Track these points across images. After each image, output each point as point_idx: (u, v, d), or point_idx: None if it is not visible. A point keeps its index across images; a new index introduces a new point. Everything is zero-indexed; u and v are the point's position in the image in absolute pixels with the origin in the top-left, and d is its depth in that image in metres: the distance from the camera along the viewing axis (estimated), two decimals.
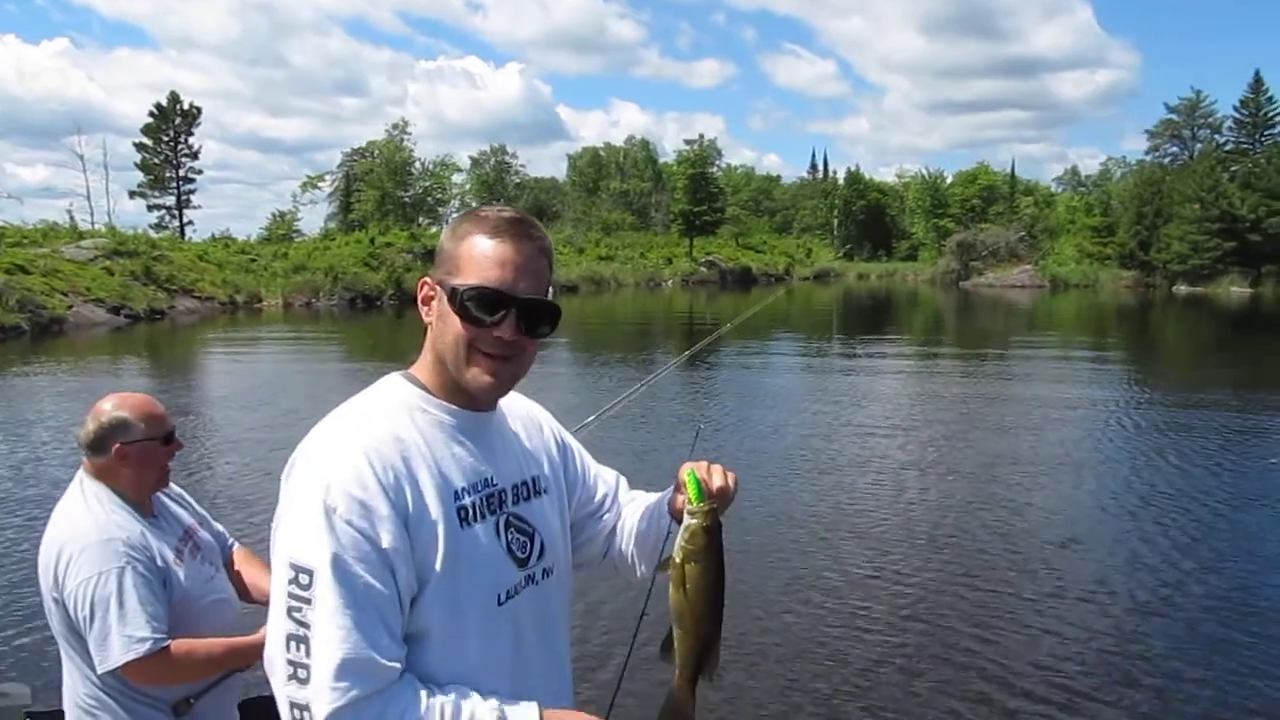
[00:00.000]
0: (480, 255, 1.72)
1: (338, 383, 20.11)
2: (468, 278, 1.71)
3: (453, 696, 1.61)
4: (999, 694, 5.59)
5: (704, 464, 1.85)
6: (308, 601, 1.53)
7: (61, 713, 2.81)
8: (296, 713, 1.53)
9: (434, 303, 1.77)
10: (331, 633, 1.51)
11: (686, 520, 1.78)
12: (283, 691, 1.55)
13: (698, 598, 1.76)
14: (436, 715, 1.56)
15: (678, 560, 1.76)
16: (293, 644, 1.54)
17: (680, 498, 1.83)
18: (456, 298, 1.71)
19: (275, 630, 1.57)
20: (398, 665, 1.57)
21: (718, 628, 1.81)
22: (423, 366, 1.82)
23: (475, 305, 1.70)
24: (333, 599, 1.52)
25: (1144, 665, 5.99)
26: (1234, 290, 64.86)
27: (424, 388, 1.79)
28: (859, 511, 9.46)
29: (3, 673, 3.39)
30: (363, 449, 1.63)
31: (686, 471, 1.81)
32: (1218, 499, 9.96)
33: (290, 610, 1.55)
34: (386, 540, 1.58)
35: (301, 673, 1.52)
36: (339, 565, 1.53)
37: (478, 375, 1.74)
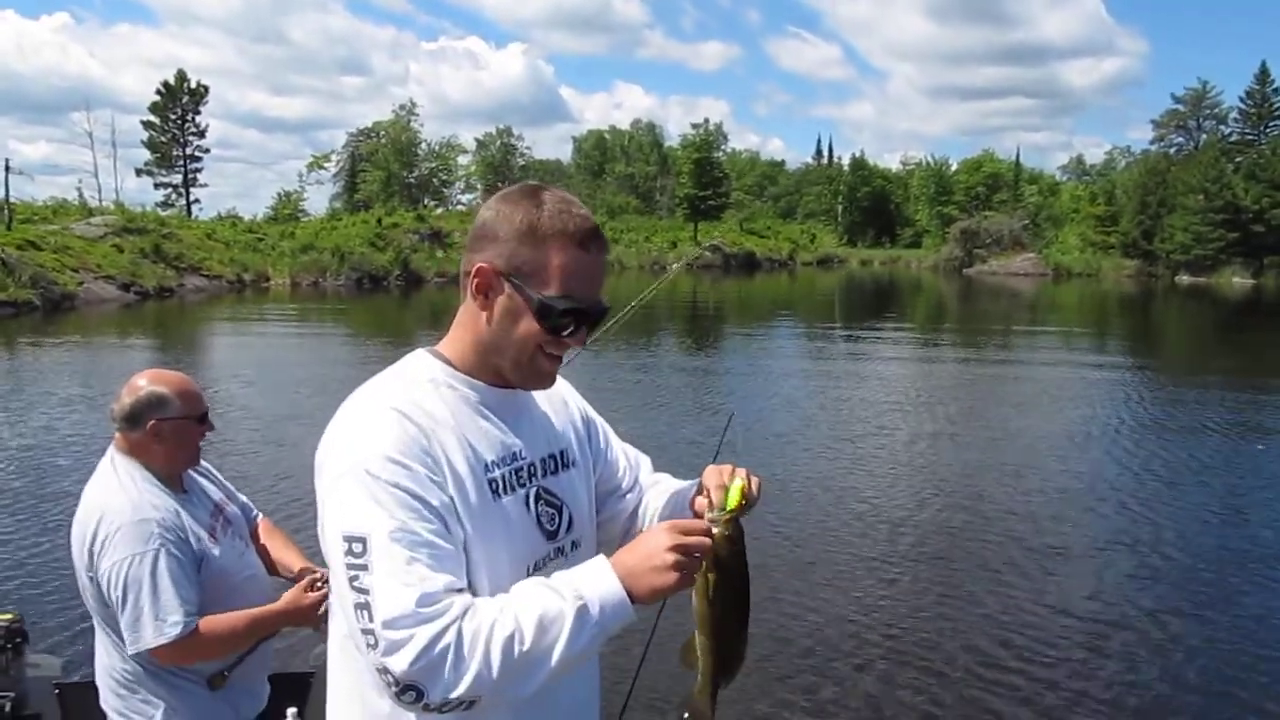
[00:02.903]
0: (571, 269, 1.69)
1: (347, 360, 20.49)
2: (557, 290, 1.69)
3: (523, 599, 1.56)
4: (1011, 671, 5.89)
5: (729, 468, 1.78)
6: (364, 568, 1.51)
7: (91, 685, 2.82)
8: (386, 679, 1.50)
9: (494, 296, 1.73)
10: (390, 591, 1.49)
11: (711, 528, 1.68)
12: (370, 662, 1.52)
13: (724, 607, 1.71)
14: (509, 630, 1.51)
15: (702, 568, 1.67)
16: (359, 613, 1.51)
17: (700, 499, 1.77)
18: (546, 311, 1.69)
19: (344, 606, 1.56)
20: (458, 599, 1.53)
21: (743, 636, 1.77)
22: (453, 345, 1.80)
23: (564, 320, 1.71)
24: (388, 559, 1.51)
25: (1146, 634, 6.39)
26: (1236, 281, 64.94)
27: (449, 364, 1.78)
28: (876, 495, 9.83)
29: (33, 644, 3.57)
30: (394, 417, 1.63)
31: (734, 481, 1.74)
32: (1213, 475, 10.45)
33: (351, 581, 1.53)
34: (434, 498, 1.58)
35: (370, 639, 1.50)
36: (390, 526, 1.53)
37: (538, 375, 1.77)
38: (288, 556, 3.08)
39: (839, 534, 8.41)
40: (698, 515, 1.77)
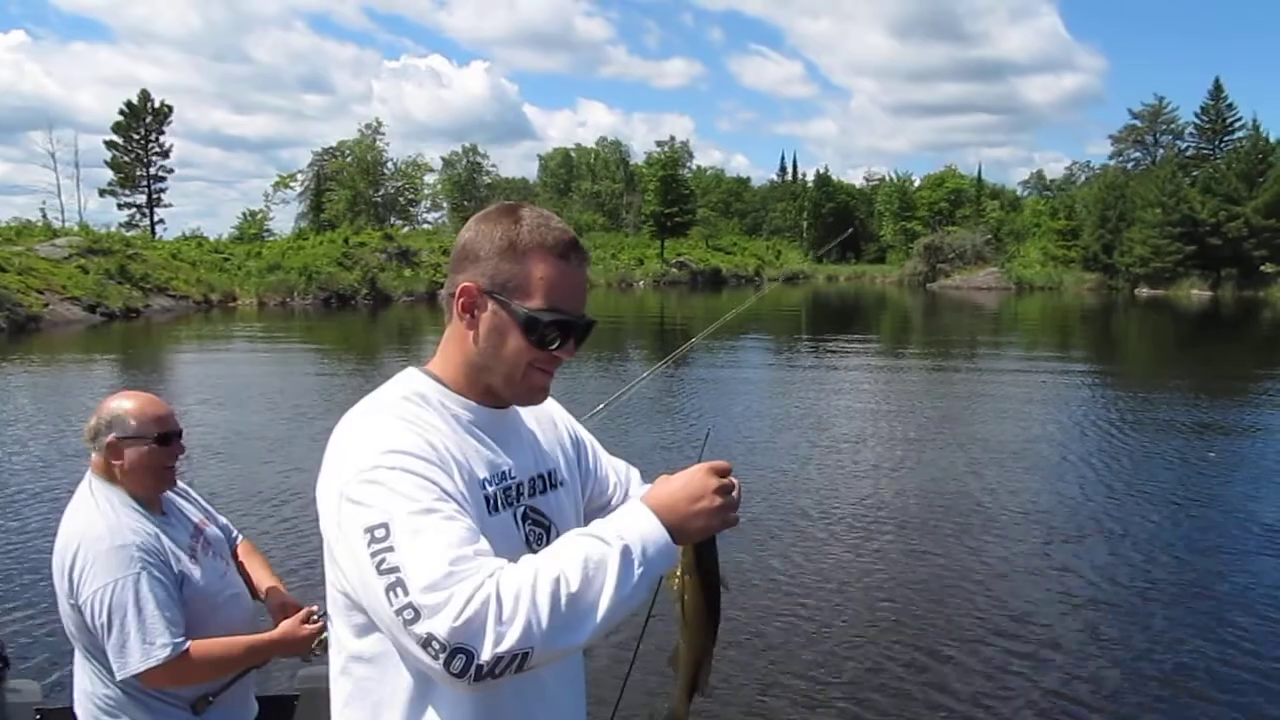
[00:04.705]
0: (553, 281, 1.72)
1: (318, 379, 20.54)
2: (541, 303, 1.71)
3: (563, 547, 1.53)
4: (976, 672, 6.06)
5: None
6: (390, 549, 1.47)
7: (72, 711, 2.79)
8: (431, 651, 1.41)
9: (480, 314, 1.74)
10: (420, 558, 1.45)
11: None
12: (407, 641, 1.44)
13: (692, 614, 1.76)
14: (553, 575, 1.46)
15: (678, 574, 1.72)
16: (391, 594, 1.45)
17: None
18: (533, 324, 1.71)
19: (374, 595, 1.48)
20: (498, 559, 1.49)
21: (711, 645, 1.80)
22: (443, 365, 1.80)
23: (550, 333, 1.72)
24: (413, 534, 1.48)
25: (1099, 637, 6.58)
26: (1194, 293, 65.81)
27: (441, 382, 1.78)
28: (850, 499, 10.05)
29: (13, 670, 3.48)
30: (394, 425, 1.65)
31: None
32: (1168, 479, 10.77)
33: (378, 567, 1.47)
34: (448, 485, 1.57)
35: (408, 613, 1.43)
36: (411, 507, 1.50)
37: (531, 391, 1.78)
38: (263, 579, 3.07)
39: (814, 537, 8.60)
40: None
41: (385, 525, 1.49)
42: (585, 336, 1.79)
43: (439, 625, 1.40)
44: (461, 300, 1.74)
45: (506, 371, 1.75)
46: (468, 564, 1.45)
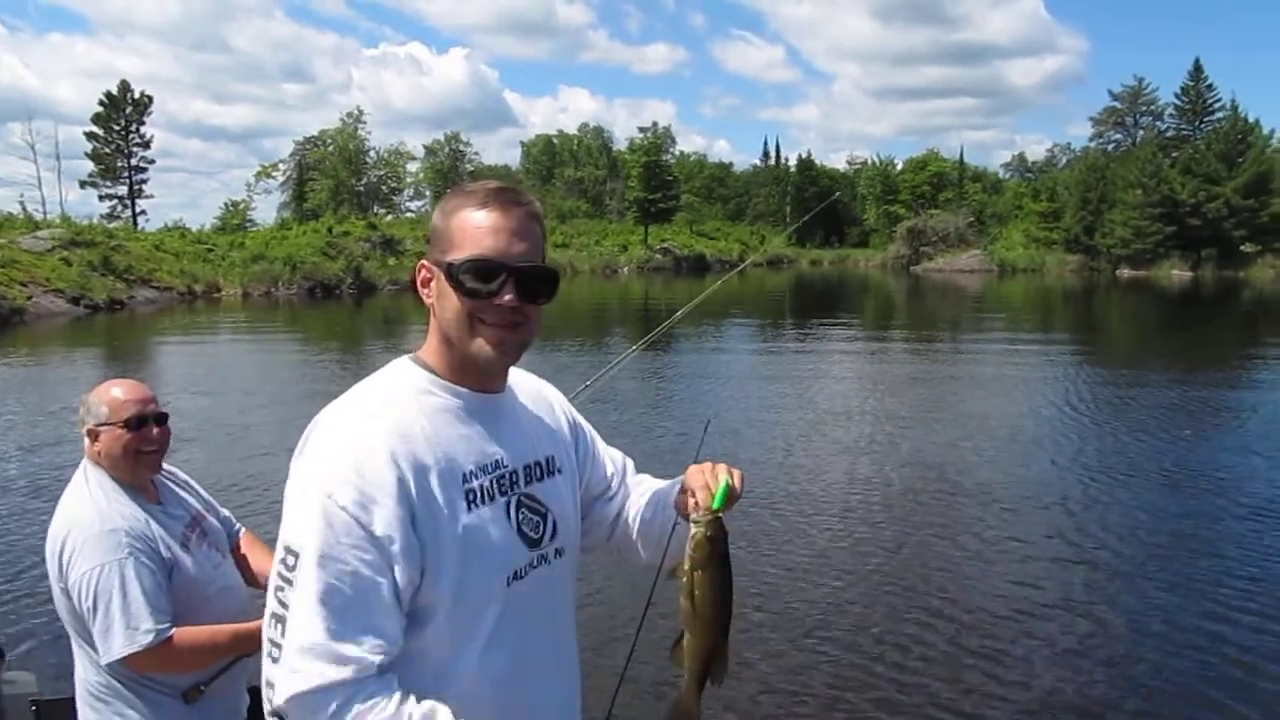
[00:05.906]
0: (471, 226, 1.70)
1: (303, 368, 20.54)
2: (461, 251, 1.69)
3: (429, 704, 1.59)
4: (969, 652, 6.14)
5: (709, 466, 1.82)
6: (290, 583, 1.54)
7: (69, 701, 2.79)
8: (268, 690, 1.54)
9: (432, 283, 1.75)
10: (305, 616, 1.52)
11: (694, 528, 1.74)
12: (265, 673, 1.57)
13: (704, 606, 1.74)
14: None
15: (686, 568, 1.73)
16: (273, 623, 1.55)
17: (686, 499, 1.80)
18: (453, 273, 1.69)
19: (267, 608, 1.59)
20: (375, 659, 1.54)
21: (724, 635, 1.78)
22: (430, 349, 1.79)
23: (471, 277, 1.69)
24: (312, 583, 1.52)
25: (1077, 612, 6.71)
26: (1175, 273, 66.25)
27: (432, 371, 1.77)
28: (845, 484, 10.20)
29: (10, 661, 3.51)
30: (369, 439, 1.62)
31: (719, 482, 1.77)
32: (1145, 460, 10.95)
33: (276, 590, 1.56)
34: (381, 529, 1.56)
35: (275, 651, 1.54)
36: (325, 550, 1.54)
37: (483, 346, 1.72)
38: (263, 565, 3.03)
39: (810, 522, 8.71)
40: (682, 515, 1.82)
41: (297, 555, 1.56)
42: (531, 283, 1.73)
43: (284, 688, 1.52)
44: (419, 278, 1.80)
45: (457, 333, 1.72)
46: (347, 650, 1.52)
